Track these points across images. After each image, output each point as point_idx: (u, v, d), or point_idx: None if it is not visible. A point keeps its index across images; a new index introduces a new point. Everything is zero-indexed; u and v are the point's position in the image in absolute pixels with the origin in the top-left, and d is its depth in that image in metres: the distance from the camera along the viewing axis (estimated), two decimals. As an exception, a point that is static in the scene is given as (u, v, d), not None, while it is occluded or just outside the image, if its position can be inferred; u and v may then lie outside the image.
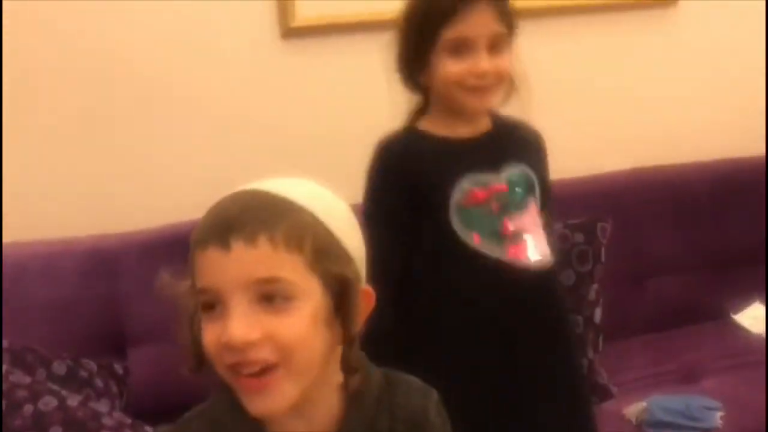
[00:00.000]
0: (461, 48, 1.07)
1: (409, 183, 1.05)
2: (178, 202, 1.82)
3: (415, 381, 0.81)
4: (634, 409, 1.53)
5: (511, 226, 1.10)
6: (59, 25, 1.74)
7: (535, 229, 1.12)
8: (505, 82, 1.12)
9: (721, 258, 2.03)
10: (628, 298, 1.94)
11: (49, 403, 1.33)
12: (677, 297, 1.99)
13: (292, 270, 0.67)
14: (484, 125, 1.18)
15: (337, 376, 0.74)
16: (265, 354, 0.66)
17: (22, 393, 1.32)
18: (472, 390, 1.01)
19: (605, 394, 1.63)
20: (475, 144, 1.14)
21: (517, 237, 1.10)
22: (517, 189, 1.14)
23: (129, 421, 1.41)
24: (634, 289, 1.96)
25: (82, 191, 1.81)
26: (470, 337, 1.03)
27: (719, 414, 1.51)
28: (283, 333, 0.66)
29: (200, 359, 0.72)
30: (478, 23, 1.05)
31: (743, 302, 2.02)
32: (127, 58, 1.79)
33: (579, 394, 1.23)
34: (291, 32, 1.88)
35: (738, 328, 1.96)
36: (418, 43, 1.09)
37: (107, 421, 1.37)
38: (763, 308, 1.98)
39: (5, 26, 1.69)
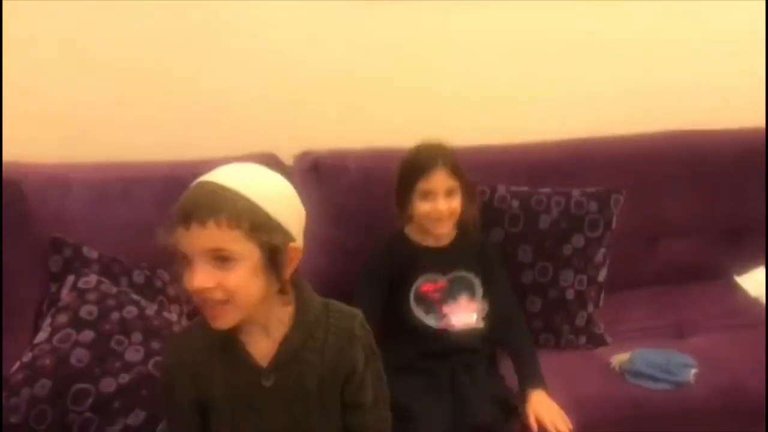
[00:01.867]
0: (428, 195, 1.66)
1: (389, 271, 1.70)
2: (246, 135, 2.07)
3: (345, 307, 1.17)
4: (618, 358, 1.76)
5: (444, 309, 1.70)
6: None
7: (461, 312, 1.71)
8: (455, 216, 1.70)
9: (732, 224, 2.19)
10: (639, 255, 2.13)
11: (131, 311, 1.62)
12: (686, 257, 2.17)
13: (233, 241, 1.00)
14: (447, 238, 1.74)
15: (288, 306, 1.11)
16: (217, 296, 1.02)
17: (111, 302, 1.62)
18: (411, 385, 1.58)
19: (599, 342, 1.87)
20: (436, 253, 1.73)
21: (446, 317, 1.70)
22: (454, 287, 1.72)
23: (194, 329, 1.71)
24: (645, 247, 2.15)
25: (158, 119, 2.06)
26: (415, 362, 1.64)
27: (693, 371, 1.72)
28: (228, 282, 1.01)
29: None
30: (438, 180, 1.64)
31: (748, 267, 2.18)
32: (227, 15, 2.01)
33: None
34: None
35: (738, 291, 2.14)
36: (404, 188, 1.69)
37: (177, 328, 1.67)
38: (764, 273, 2.14)
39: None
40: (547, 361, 1.74)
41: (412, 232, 1.76)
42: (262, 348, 1.11)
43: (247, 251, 1.01)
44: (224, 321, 1.06)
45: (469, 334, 1.70)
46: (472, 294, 1.73)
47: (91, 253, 1.80)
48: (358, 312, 1.18)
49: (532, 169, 2.00)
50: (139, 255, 1.86)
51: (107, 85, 2.03)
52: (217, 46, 2.04)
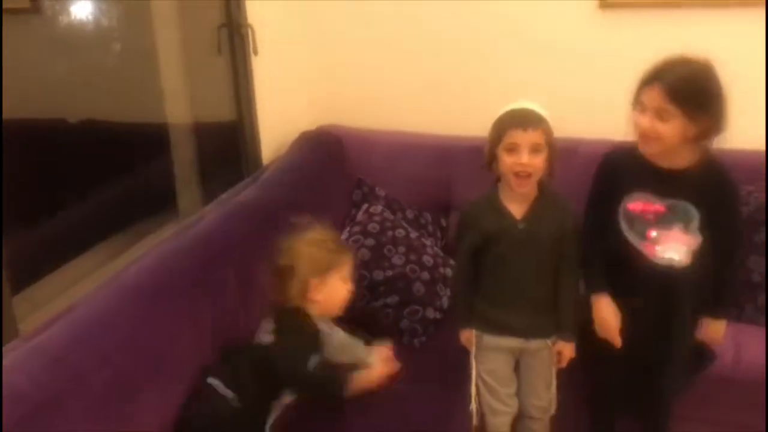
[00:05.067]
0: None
1: (608, 186, 1.75)
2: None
3: (562, 195, 1.80)
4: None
5: (653, 233, 1.67)
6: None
7: (670, 242, 1.66)
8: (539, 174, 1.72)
9: None
10: None
11: (400, 233, 2.32)
12: None
13: (541, 139, 1.69)
14: (683, 162, 1.64)
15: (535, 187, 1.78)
16: (528, 170, 1.69)
17: (388, 224, 2.33)
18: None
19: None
20: (661, 173, 1.65)
21: (652, 241, 1.68)
22: (670, 215, 1.66)
23: (442, 254, 2.36)
24: None
25: (434, 98, 2.73)
26: (617, 275, 1.74)
27: None
28: (534, 163, 1.69)
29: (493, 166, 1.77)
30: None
31: None
32: (483, 18, 2.61)
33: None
34: (608, 4, 2.45)
35: None
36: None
37: (429, 251, 2.33)
38: None
39: None
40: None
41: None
42: (514, 208, 1.77)
43: (546, 150, 1.70)
44: (527, 189, 1.73)
45: (678, 273, 1.66)
46: (687, 225, 1.65)
47: (380, 192, 2.54)
48: (568, 199, 1.79)
49: None
50: (412, 199, 2.57)
51: (412, 70, 2.74)
52: (484, 59, 2.64)
